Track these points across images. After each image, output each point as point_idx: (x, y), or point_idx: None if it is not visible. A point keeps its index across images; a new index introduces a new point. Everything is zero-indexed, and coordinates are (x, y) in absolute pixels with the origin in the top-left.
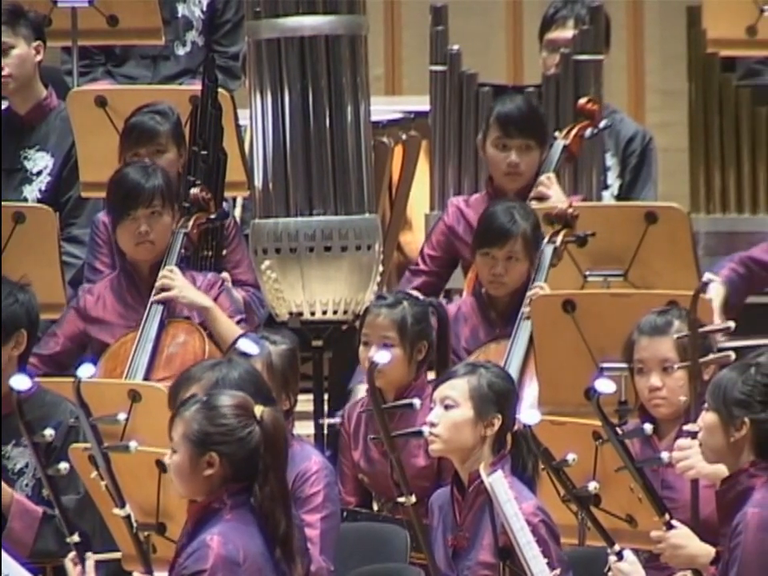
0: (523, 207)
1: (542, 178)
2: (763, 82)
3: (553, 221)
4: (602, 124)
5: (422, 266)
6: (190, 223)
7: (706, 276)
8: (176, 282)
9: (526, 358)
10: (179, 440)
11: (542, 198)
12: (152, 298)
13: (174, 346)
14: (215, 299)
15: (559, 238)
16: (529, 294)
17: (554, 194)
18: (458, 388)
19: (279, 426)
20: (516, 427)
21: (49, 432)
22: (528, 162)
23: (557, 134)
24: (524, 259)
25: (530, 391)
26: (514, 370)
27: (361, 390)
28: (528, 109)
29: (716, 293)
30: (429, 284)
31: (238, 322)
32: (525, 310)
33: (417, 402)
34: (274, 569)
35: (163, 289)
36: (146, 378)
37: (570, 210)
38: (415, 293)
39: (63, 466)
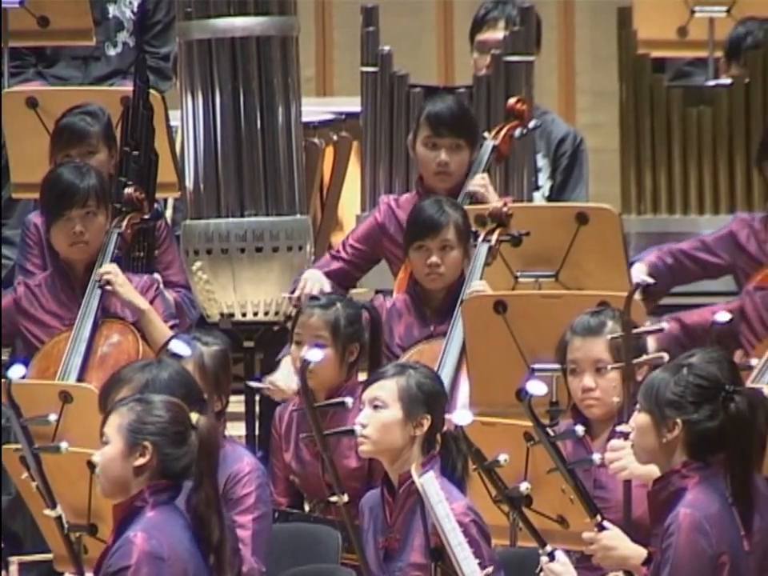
0: (450, 200)
1: (477, 178)
2: (694, 82)
3: (485, 221)
4: (532, 124)
5: (342, 254)
6: (124, 223)
7: (640, 278)
8: (118, 278)
9: (460, 357)
10: (113, 431)
11: (481, 201)
12: (94, 278)
13: (107, 346)
14: (150, 302)
15: (494, 237)
16: (468, 291)
17: (491, 195)
18: (386, 389)
19: (214, 432)
20: (446, 428)
21: None
22: (458, 162)
23: (486, 134)
24: (458, 247)
25: (465, 390)
26: (449, 369)
27: (287, 363)
28: (458, 108)
29: (635, 270)
30: (344, 273)
31: (172, 327)
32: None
33: (349, 400)
34: (204, 566)
35: (107, 283)
36: (79, 378)
37: (505, 209)
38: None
39: None
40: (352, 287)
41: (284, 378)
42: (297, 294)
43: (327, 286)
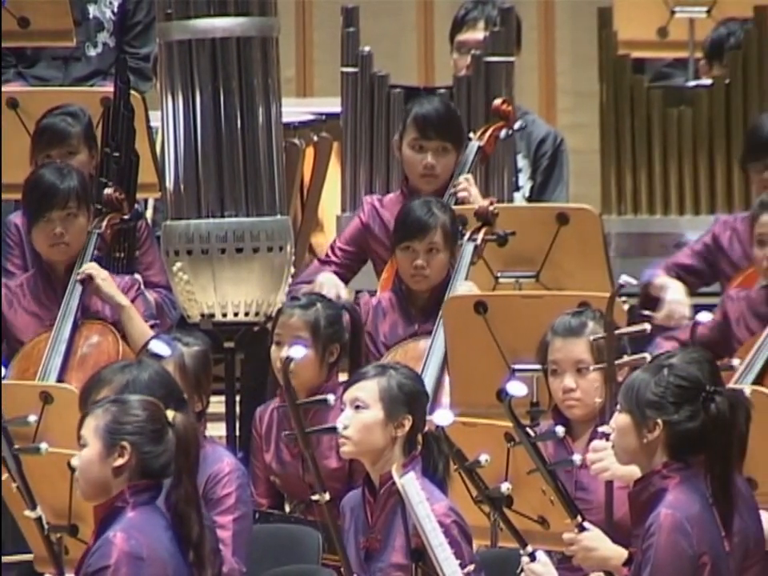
0: (439, 201)
1: (461, 179)
2: (674, 83)
3: (465, 221)
4: (517, 125)
5: (332, 258)
6: (104, 224)
7: (623, 279)
8: (100, 273)
9: (445, 356)
10: (90, 434)
11: (463, 202)
12: (74, 278)
13: (87, 346)
14: (132, 302)
15: (480, 236)
16: (455, 292)
17: (473, 196)
18: (367, 389)
19: (191, 430)
20: (427, 428)
21: None
22: (444, 165)
23: (471, 134)
24: (444, 250)
25: (449, 389)
26: (433, 368)
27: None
28: (446, 111)
29: (670, 282)
30: (338, 276)
31: (152, 327)
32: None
33: (331, 397)
34: (184, 567)
35: (88, 278)
36: (59, 379)
37: (491, 208)
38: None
39: None
40: None
41: None
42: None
43: (344, 292)
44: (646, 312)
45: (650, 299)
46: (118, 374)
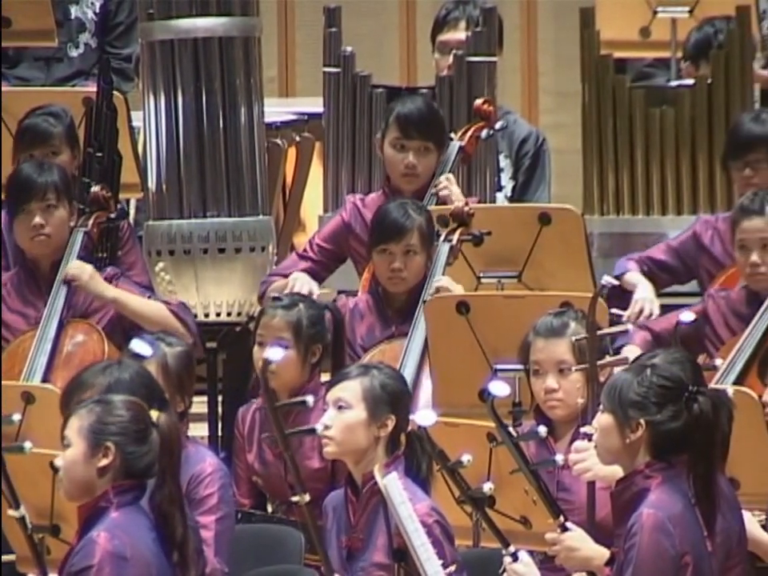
0: (415, 203)
1: (441, 178)
2: (655, 83)
3: (446, 221)
4: (498, 125)
5: (310, 254)
6: (90, 222)
7: (605, 279)
8: (85, 271)
9: (422, 356)
10: (74, 434)
11: (445, 201)
12: (59, 278)
13: (72, 345)
14: (118, 287)
15: (455, 237)
16: (431, 289)
17: (455, 195)
18: (350, 389)
19: (175, 430)
20: (410, 428)
21: None
22: (426, 164)
23: (452, 135)
24: (421, 252)
25: (427, 389)
26: (410, 369)
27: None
28: (428, 110)
29: (640, 279)
30: (312, 272)
31: (149, 298)
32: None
33: (310, 398)
34: (167, 567)
35: (73, 279)
36: (44, 378)
37: (467, 209)
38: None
39: None
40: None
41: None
42: (286, 293)
43: (316, 288)
44: (614, 310)
45: (619, 292)
46: (99, 376)
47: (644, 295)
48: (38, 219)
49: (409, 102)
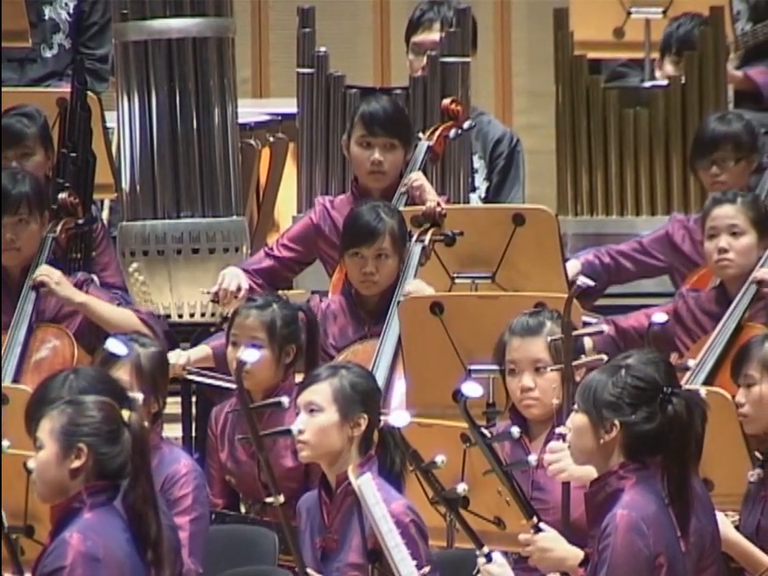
0: (387, 205)
1: (412, 175)
2: (629, 83)
3: (420, 221)
4: (467, 125)
5: (275, 252)
6: (59, 228)
7: (580, 280)
8: (53, 276)
9: (394, 357)
10: (46, 436)
11: (414, 200)
12: (28, 283)
13: (43, 350)
14: (88, 293)
15: (428, 237)
16: (404, 292)
17: (427, 190)
18: (321, 392)
19: (145, 428)
20: (382, 423)
21: None
22: (392, 161)
23: (421, 134)
24: (393, 255)
25: (400, 390)
26: (382, 370)
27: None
28: (392, 108)
29: (570, 266)
30: (275, 271)
31: (118, 305)
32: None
33: (285, 399)
34: (141, 568)
35: (41, 284)
36: (14, 382)
37: (439, 209)
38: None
39: None
40: (284, 287)
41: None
42: (215, 289)
43: (244, 282)
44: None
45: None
46: (59, 389)
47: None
48: (9, 235)
49: (373, 100)
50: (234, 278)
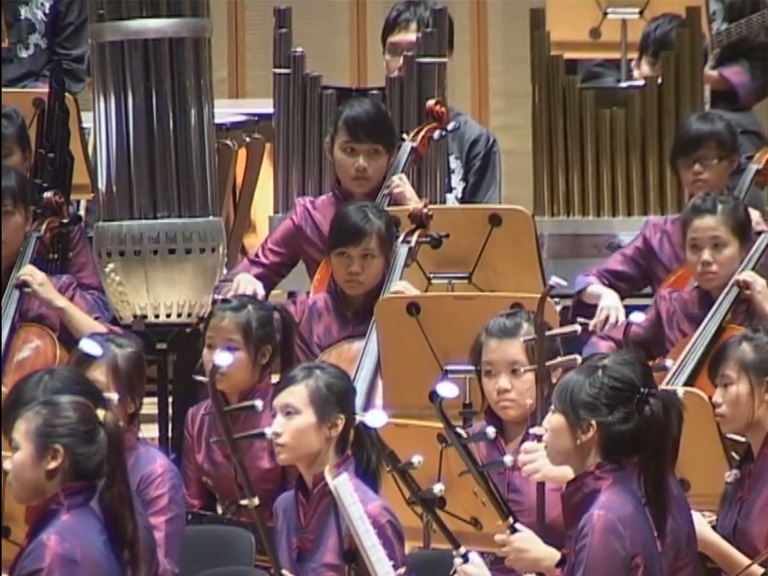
0: (375, 206)
1: (394, 178)
2: (605, 83)
3: (398, 222)
4: (450, 126)
5: (261, 258)
6: (43, 227)
7: (553, 280)
8: (36, 278)
9: (379, 357)
10: (22, 437)
11: (397, 202)
12: (10, 286)
13: (25, 350)
14: (70, 300)
15: (414, 238)
16: (389, 292)
17: (408, 194)
18: (297, 394)
19: (120, 427)
20: (357, 421)
21: None
22: (376, 167)
23: (405, 135)
24: (379, 256)
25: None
26: (367, 370)
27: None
28: (377, 113)
29: (603, 289)
30: (266, 277)
31: (96, 319)
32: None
33: (259, 403)
34: (118, 569)
35: (24, 284)
36: None
37: (425, 210)
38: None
39: None
40: (272, 290)
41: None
42: (230, 295)
43: (261, 289)
44: (582, 320)
45: (583, 306)
46: (34, 390)
47: (609, 303)
48: None
49: (357, 104)
50: (250, 283)
